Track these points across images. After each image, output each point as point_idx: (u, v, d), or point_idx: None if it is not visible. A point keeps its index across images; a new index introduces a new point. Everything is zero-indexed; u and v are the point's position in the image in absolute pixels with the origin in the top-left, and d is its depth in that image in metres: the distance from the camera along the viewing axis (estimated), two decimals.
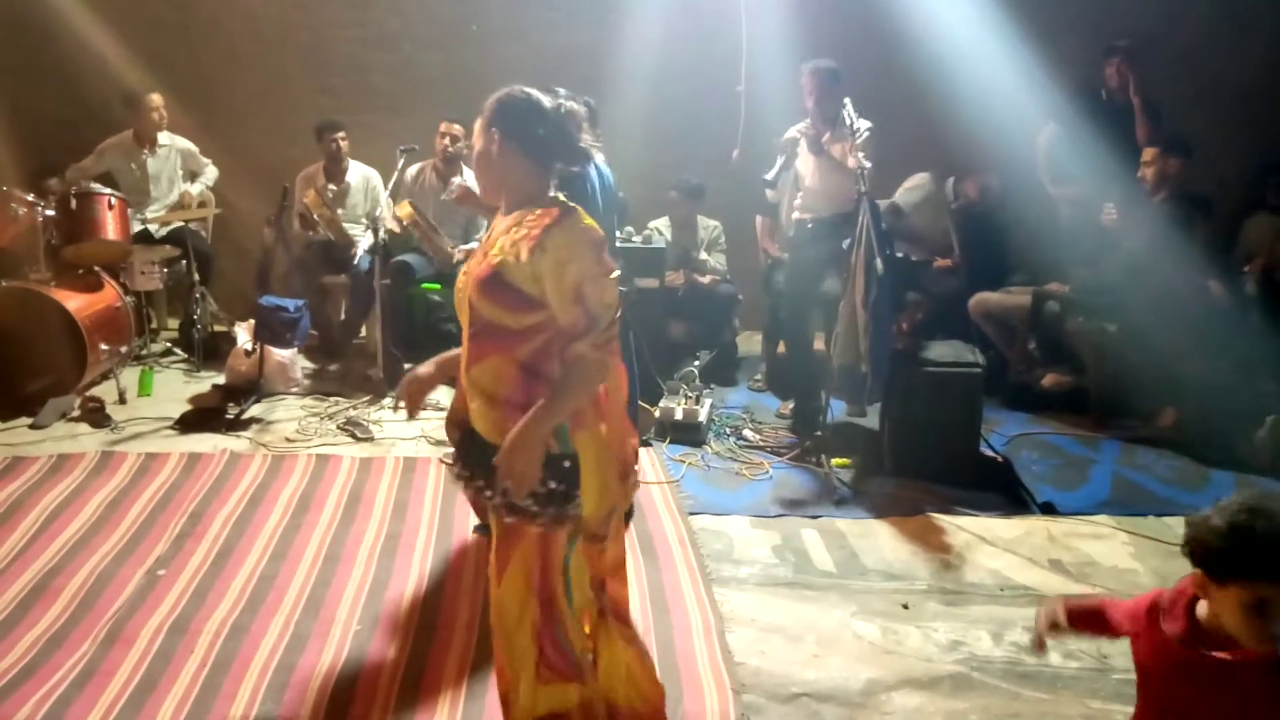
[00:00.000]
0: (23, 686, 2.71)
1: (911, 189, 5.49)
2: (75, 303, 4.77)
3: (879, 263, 3.95)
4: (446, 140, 5.57)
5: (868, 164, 4.13)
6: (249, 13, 6.26)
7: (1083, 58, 5.57)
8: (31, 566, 3.36)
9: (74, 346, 4.73)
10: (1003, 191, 5.58)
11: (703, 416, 4.66)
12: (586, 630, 2.25)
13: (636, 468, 2.23)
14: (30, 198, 5.01)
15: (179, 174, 6.01)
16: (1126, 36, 5.41)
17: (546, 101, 2.14)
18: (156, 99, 5.78)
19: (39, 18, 5.87)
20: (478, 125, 2.16)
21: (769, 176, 4.65)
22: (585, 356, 2.03)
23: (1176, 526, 3.85)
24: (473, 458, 2.19)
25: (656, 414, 4.68)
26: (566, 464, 2.07)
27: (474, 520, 3.77)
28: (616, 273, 2.09)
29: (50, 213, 4.99)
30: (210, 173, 6.09)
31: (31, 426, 4.58)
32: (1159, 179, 4.73)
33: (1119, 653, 3.02)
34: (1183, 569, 3.44)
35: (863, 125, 4.38)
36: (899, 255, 5.03)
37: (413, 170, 5.69)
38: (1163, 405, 4.74)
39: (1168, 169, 4.70)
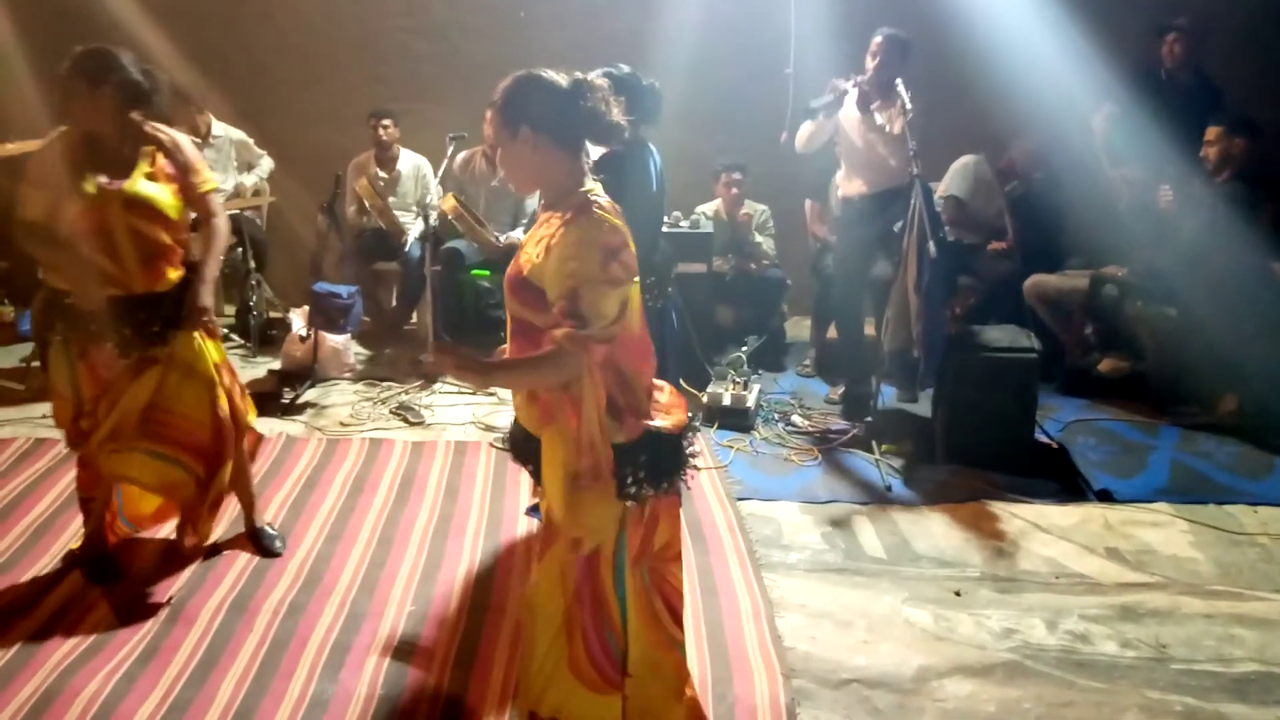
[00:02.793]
0: (90, 663, 2.80)
1: (960, 173, 5.41)
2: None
3: (931, 246, 3.89)
4: None
5: (913, 142, 4.07)
6: (299, 4, 6.34)
7: (1140, 36, 5.43)
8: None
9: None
10: (1045, 158, 5.44)
11: (751, 402, 4.64)
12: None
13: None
14: None
15: (233, 165, 6.11)
16: (1185, 14, 5.27)
17: (562, 79, 2.01)
18: (207, 117, 5.91)
19: (92, 11, 5.99)
20: (490, 117, 2.06)
21: (814, 104, 4.55)
22: (560, 347, 1.92)
23: (1238, 515, 3.77)
24: (519, 449, 2.22)
25: (704, 399, 4.68)
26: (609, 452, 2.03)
27: (525, 503, 3.80)
28: (626, 285, 1.96)
29: None
30: (265, 164, 6.19)
31: None
32: (1222, 159, 4.60)
33: (1178, 642, 2.97)
34: (1244, 558, 3.38)
35: (907, 98, 4.29)
36: (951, 239, 4.97)
37: (462, 157, 5.72)
38: (1224, 391, 4.63)
39: (1231, 149, 4.57)
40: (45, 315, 3.01)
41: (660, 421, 2.10)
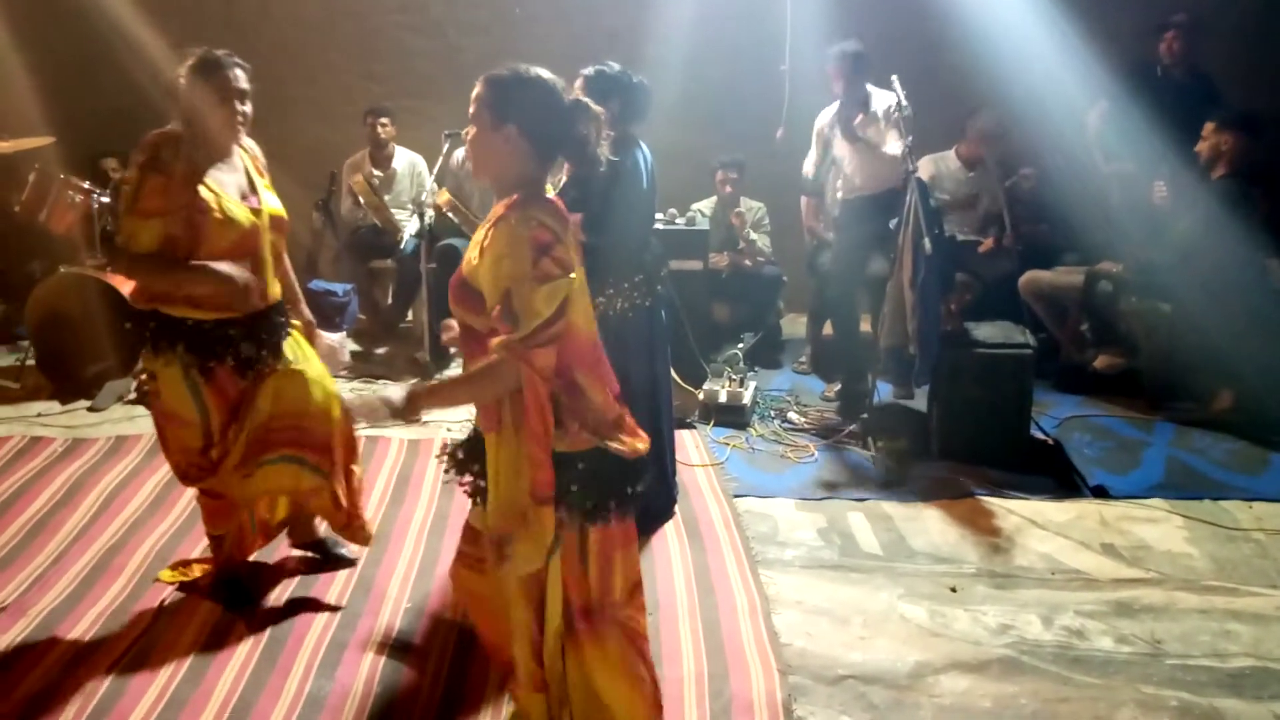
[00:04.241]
0: (88, 660, 2.80)
1: (923, 166, 5.40)
2: (130, 287, 4.85)
3: (926, 242, 3.90)
4: None
5: (909, 138, 4.09)
6: (298, 3, 6.32)
7: (1137, 32, 5.43)
8: (93, 545, 3.45)
9: (130, 331, 4.81)
10: (1004, 138, 5.36)
11: (747, 399, 4.64)
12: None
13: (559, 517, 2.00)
14: (86, 185, 5.12)
15: None
16: (1181, 11, 5.27)
17: (565, 95, 2.00)
18: None
19: (88, 8, 5.97)
20: (477, 95, 1.99)
21: (809, 175, 4.67)
22: (498, 356, 1.90)
23: (1234, 511, 3.78)
24: (464, 447, 2.18)
25: (700, 396, 4.68)
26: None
27: None
28: (560, 281, 1.90)
29: (105, 199, 5.10)
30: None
31: (90, 409, 4.69)
32: (1216, 155, 4.61)
33: (1173, 638, 2.98)
34: (1239, 554, 3.39)
35: (903, 96, 4.31)
36: (947, 235, 4.97)
37: (458, 154, 5.71)
38: (1219, 387, 4.63)
39: (1225, 144, 4.58)
40: (157, 343, 2.80)
41: (612, 442, 2.02)
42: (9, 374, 5.06)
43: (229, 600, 3.07)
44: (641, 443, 2.09)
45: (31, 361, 5.00)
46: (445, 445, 2.21)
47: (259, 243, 2.81)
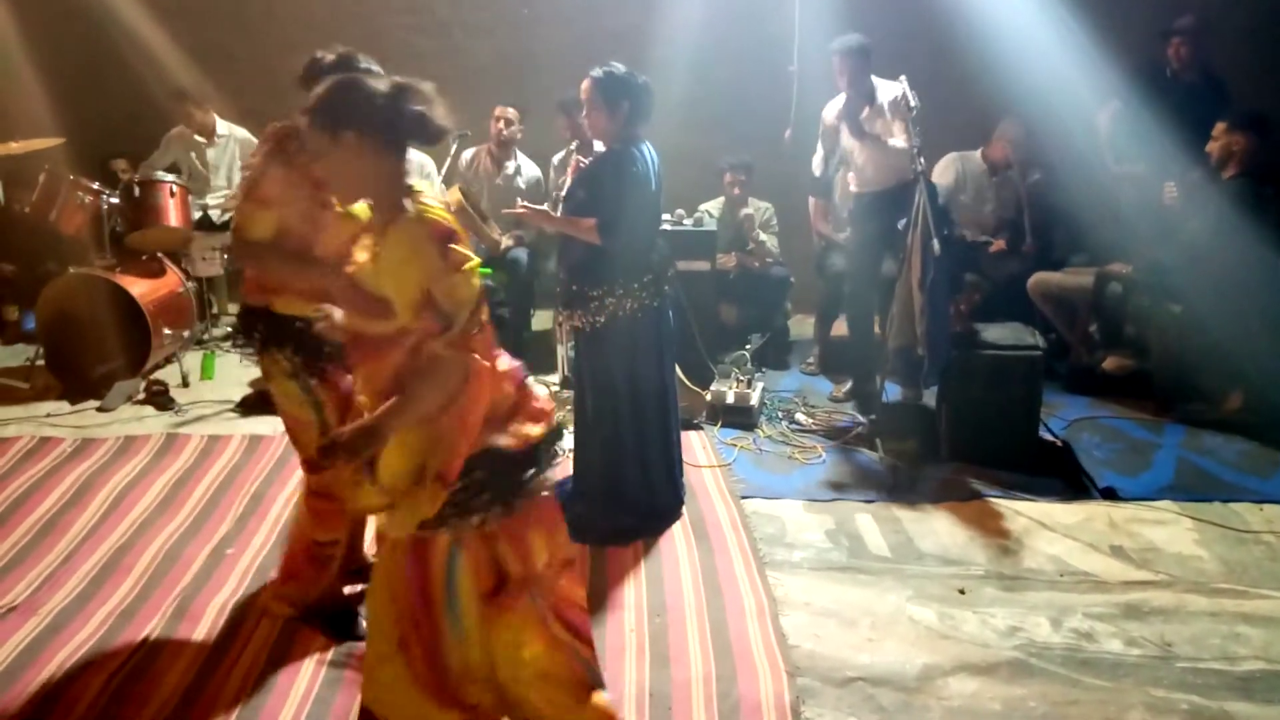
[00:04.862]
0: (97, 660, 2.80)
1: (942, 169, 5.40)
2: (139, 288, 4.89)
3: (935, 243, 3.89)
4: (500, 124, 5.60)
5: (916, 139, 4.08)
6: (304, 3, 6.34)
7: (1146, 33, 5.41)
8: (102, 545, 3.46)
9: (139, 331, 4.84)
10: (1033, 144, 5.38)
11: (754, 400, 4.64)
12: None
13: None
14: (95, 186, 5.14)
15: (238, 163, 6.11)
16: (1188, 13, 5.25)
17: (383, 84, 1.96)
18: (211, 116, 5.90)
19: (97, 9, 5.99)
20: (307, 125, 1.96)
21: (817, 174, 4.66)
22: (439, 356, 1.89)
23: (1244, 513, 3.76)
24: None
25: (708, 397, 4.67)
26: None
27: None
28: (473, 262, 1.91)
29: (114, 200, 5.12)
30: None
31: (99, 409, 4.71)
32: (1227, 155, 4.58)
33: (1183, 640, 2.97)
34: (1249, 556, 3.37)
35: (911, 95, 4.32)
36: (957, 236, 4.97)
37: (467, 155, 5.72)
38: (1229, 389, 4.61)
39: (1236, 145, 4.55)
40: (267, 342, 2.71)
41: (504, 439, 2.02)
42: (19, 374, 5.08)
43: (334, 629, 2.91)
44: (536, 428, 2.08)
45: (41, 362, 5.02)
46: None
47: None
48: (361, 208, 2.63)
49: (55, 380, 4.92)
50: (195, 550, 3.42)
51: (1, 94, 5.72)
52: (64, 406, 4.74)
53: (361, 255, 1.98)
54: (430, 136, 1.97)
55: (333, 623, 2.92)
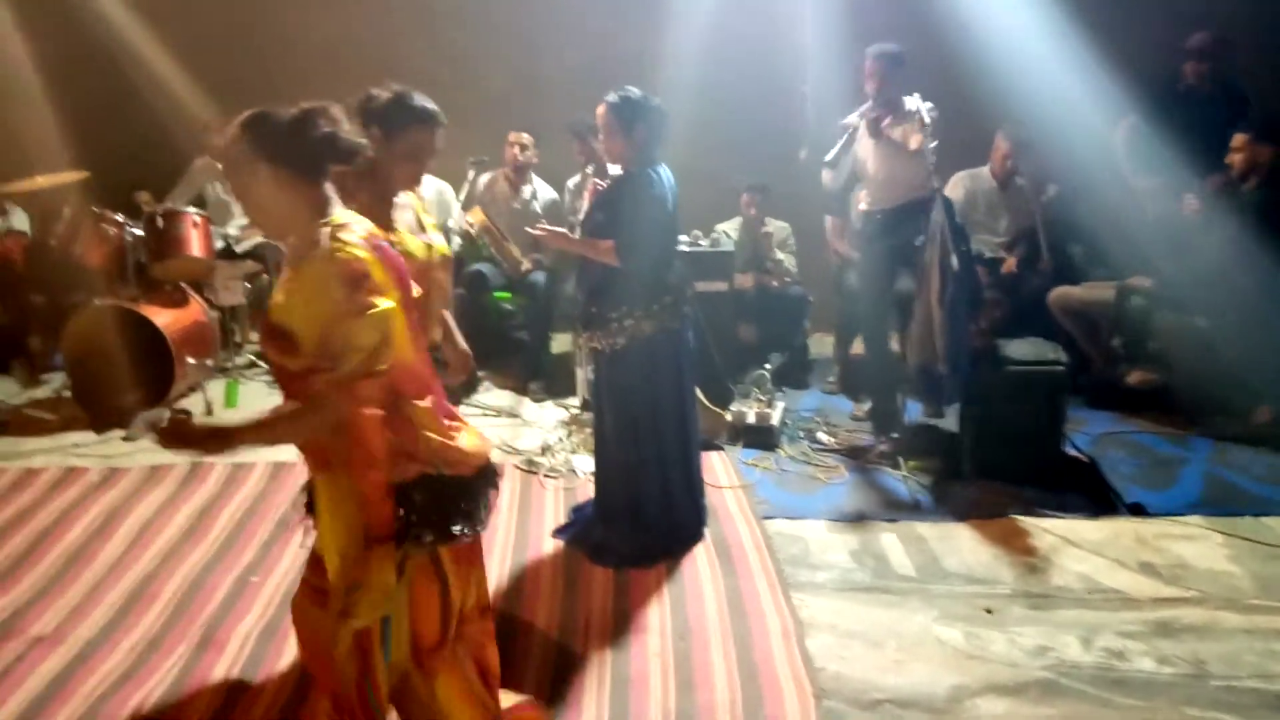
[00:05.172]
0: (123, 689, 2.81)
1: (952, 187, 5.38)
2: (163, 318, 4.94)
3: (954, 259, 3.87)
4: (516, 149, 5.64)
5: (933, 142, 4.07)
6: (321, 34, 6.42)
7: (1161, 46, 5.38)
8: (129, 575, 3.48)
9: (163, 361, 4.89)
10: (1031, 149, 5.34)
11: (775, 420, 4.62)
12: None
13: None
14: (119, 218, 5.20)
15: None
16: (1205, 25, 5.22)
17: (289, 111, 1.95)
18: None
19: (115, 47, 6.10)
20: (226, 164, 1.95)
21: (828, 158, 4.59)
22: (318, 395, 1.86)
23: (1276, 527, 3.71)
24: (306, 492, 2.16)
25: (728, 418, 4.66)
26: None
27: (551, 524, 3.80)
28: (377, 312, 1.85)
29: (138, 232, 5.18)
30: None
31: (124, 439, 4.74)
32: (1248, 167, 4.55)
33: (1217, 659, 2.92)
34: None
35: (926, 107, 4.33)
36: (975, 252, 4.94)
37: (484, 180, 5.76)
38: (1256, 402, 4.56)
39: (1257, 156, 4.52)
40: None
41: (445, 468, 2.01)
42: (46, 406, 5.14)
43: None
44: (476, 454, 2.07)
45: (67, 393, 5.07)
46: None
47: (430, 280, 2.68)
48: (420, 246, 2.64)
49: (81, 411, 4.98)
50: (220, 579, 3.43)
51: (25, 130, 5.81)
52: (90, 437, 4.79)
53: (278, 291, 1.95)
54: (342, 156, 1.96)
55: None
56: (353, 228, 1.93)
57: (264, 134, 1.92)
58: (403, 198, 2.74)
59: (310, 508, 2.14)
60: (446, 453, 2.02)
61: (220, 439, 1.93)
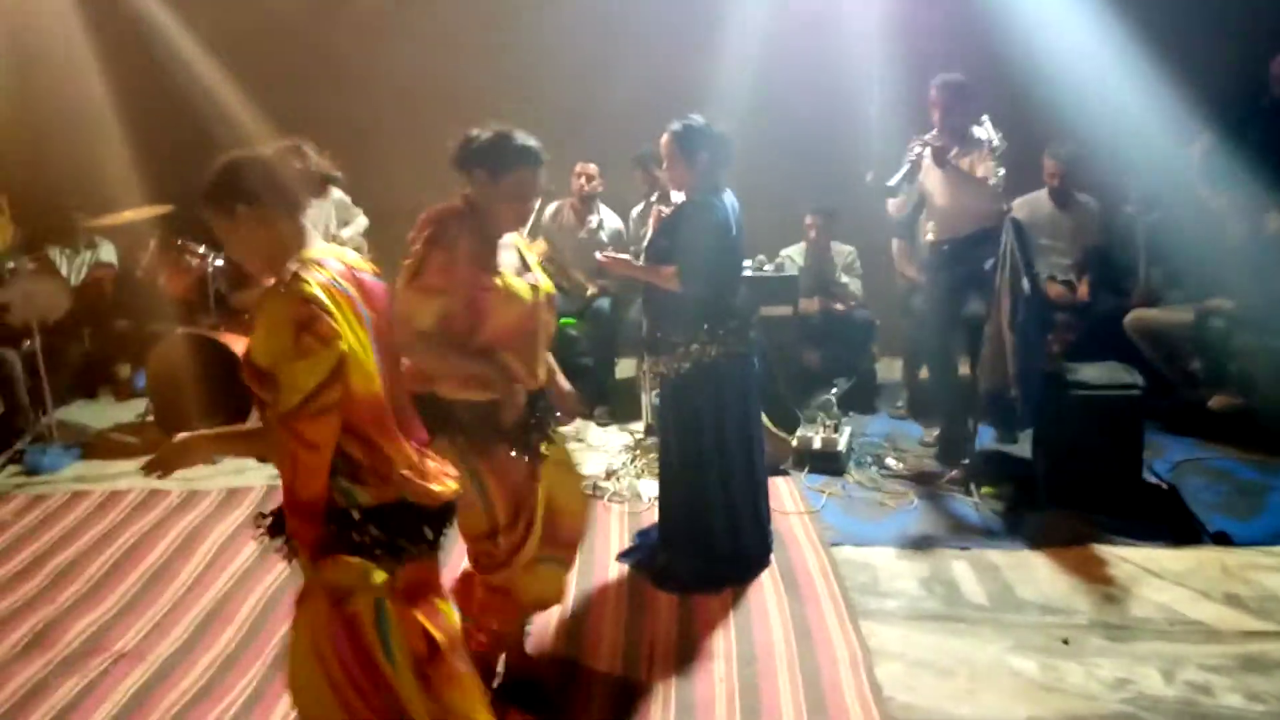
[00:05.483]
0: (200, 705, 2.89)
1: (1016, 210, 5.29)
2: (243, 346, 5.07)
3: (1025, 282, 3.81)
4: (582, 180, 5.71)
5: (1000, 170, 4.01)
6: (394, 69, 6.59)
7: (1239, 61, 5.23)
8: (207, 594, 3.59)
9: (242, 387, 5.01)
10: (1079, 159, 5.23)
11: (842, 445, 4.57)
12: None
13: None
14: (201, 249, 5.39)
15: (334, 223, 6.35)
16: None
17: (262, 152, 2.05)
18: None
19: (196, 80, 6.32)
20: (206, 211, 2.03)
21: (891, 183, 4.54)
22: (267, 423, 1.95)
23: None
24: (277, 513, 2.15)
25: (794, 443, 4.62)
26: (356, 515, 2.01)
27: (616, 548, 3.81)
28: (321, 355, 1.88)
29: (219, 263, 5.36)
30: (360, 221, 6.40)
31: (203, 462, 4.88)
32: None
33: None
34: None
35: (995, 135, 4.29)
36: (1046, 276, 4.85)
37: (550, 209, 5.85)
38: None
39: None
40: (433, 427, 2.49)
41: (411, 496, 2.04)
42: (130, 430, 5.32)
43: (531, 705, 2.82)
44: (443, 489, 2.10)
45: (151, 418, 5.25)
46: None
47: (538, 320, 2.67)
48: (525, 288, 2.61)
49: (164, 435, 5.13)
50: (292, 599, 3.50)
51: (112, 167, 6.04)
52: None
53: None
54: (315, 190, 2.05)
55: (530, 700, 2.84)
56: (324, 264, 1.99)
57: (238, 178, 2.00)
58: (507, 238, 2.70)
59: (273, 532, 2.14)
60: (414, 488, 2.05)
61: (192, 447, 2.05)
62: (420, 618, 2.08)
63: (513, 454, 2.64)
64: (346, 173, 6.87)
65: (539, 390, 2.74)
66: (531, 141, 2.61)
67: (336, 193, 6.35)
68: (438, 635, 2.09)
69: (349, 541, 1.99)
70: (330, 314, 1.91)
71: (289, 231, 2.03)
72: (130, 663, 3.13)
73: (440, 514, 2.14)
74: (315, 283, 1.93)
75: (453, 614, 2.20)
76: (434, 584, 2.19)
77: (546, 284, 2.73)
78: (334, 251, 2.05)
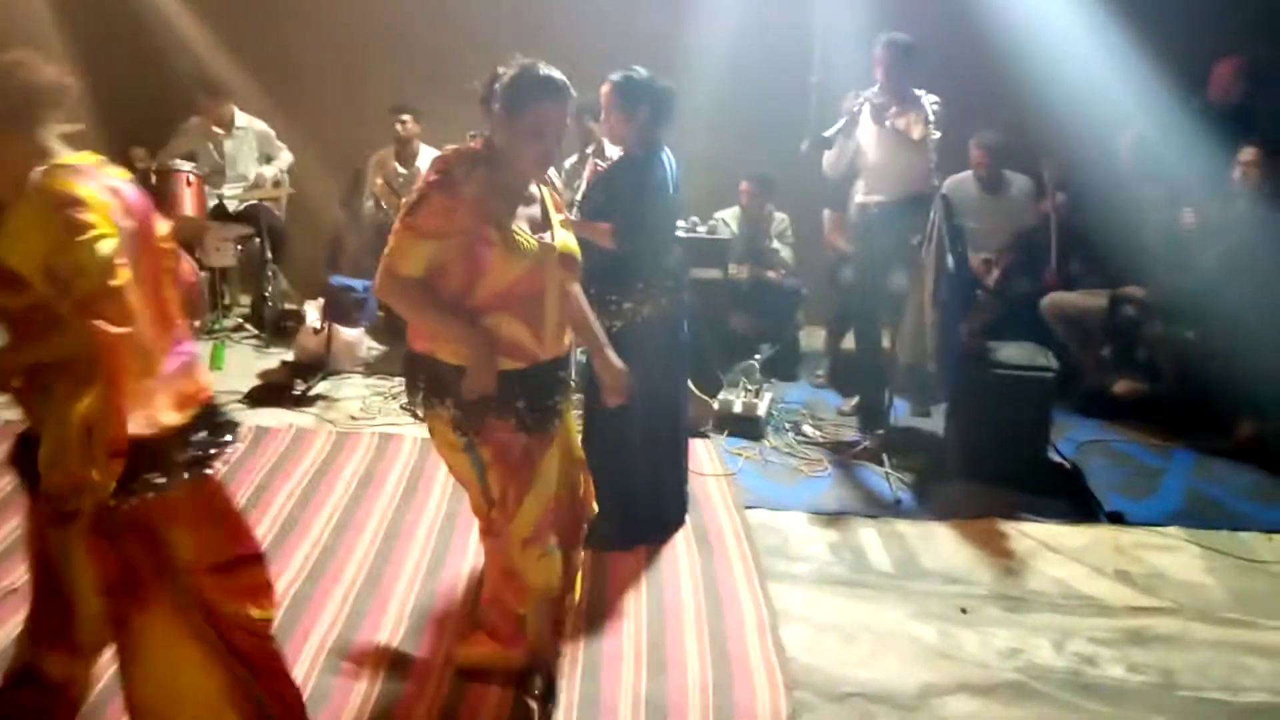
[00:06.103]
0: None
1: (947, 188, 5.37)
2: None
3: (950, 260, 3.87)
4: None
5: (937, 133, 4.05)
6: (335, 8, 6.38)
7: (1187, 57, 5.33)
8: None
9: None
10: (1070, 175, 5.37)
11: (762, 410, 4.62)
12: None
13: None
14: None
15: (255, 156, 6.13)
16: (1241, 38, 5.19)
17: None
18: (230, 108, 5.95)
19: (132, 3, 6.03)
20: None
21: (827, 134, 4.52)
22: (61, 322, 1.80)
23: (1253, 542, 3.73)
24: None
25: (715, 406, 4.66)
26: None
27: None
28: (97, 231, 1.78)
29: None
30: (285, 157, 6.20)
31: None
32: (1257, 181, 4.53)
33: (1186, 669, 2.94)
34: (1257, 586, 3.33)
35: (931, 100, 4.32)
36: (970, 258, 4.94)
37: None
38: (1242, 418, 4.58)
39: (1267, 171, 4.49)
40: (429, 391, 2.43)
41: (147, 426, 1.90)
42: None
43: (542, 693, 2.66)
44: (176, 415, 1.96)
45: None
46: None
47: (545, 281, 2.40)
48: (530, 245, 2.34)
49: None
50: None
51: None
52: None
53: None
54: (48, 101, 1.90)
55: (542, 687, 2.67)
56: (76, 168, 1.88)
57: None
58: (533, 191, 2.47)
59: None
60: (154, 401, 1.93)
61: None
62: (126, 542, 1.93)
63: (513, 431, 2.42)
64: (279, 108, 6.68)
65: (551, 361, 2.48)
66: (555, 73, 2.34)
67: (260, 124, 6.14)
68: (139, 565, 1.95)
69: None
70: (89, 206, 1.80)
71: (19, 147, 1.87)
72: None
73: (163, 445, 1.94)
74: (68, 181, 1.82)
75: (186, 548, 2.01)
76: (167, 509, 1.97)
77: (564, 243, 2.46)
78: (83, 159, 1.92)
